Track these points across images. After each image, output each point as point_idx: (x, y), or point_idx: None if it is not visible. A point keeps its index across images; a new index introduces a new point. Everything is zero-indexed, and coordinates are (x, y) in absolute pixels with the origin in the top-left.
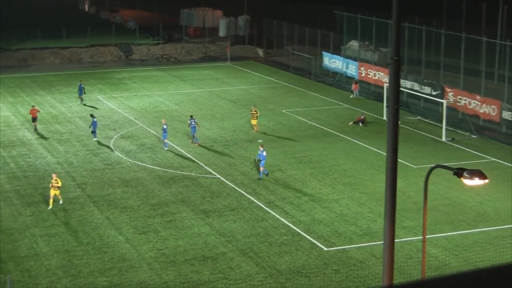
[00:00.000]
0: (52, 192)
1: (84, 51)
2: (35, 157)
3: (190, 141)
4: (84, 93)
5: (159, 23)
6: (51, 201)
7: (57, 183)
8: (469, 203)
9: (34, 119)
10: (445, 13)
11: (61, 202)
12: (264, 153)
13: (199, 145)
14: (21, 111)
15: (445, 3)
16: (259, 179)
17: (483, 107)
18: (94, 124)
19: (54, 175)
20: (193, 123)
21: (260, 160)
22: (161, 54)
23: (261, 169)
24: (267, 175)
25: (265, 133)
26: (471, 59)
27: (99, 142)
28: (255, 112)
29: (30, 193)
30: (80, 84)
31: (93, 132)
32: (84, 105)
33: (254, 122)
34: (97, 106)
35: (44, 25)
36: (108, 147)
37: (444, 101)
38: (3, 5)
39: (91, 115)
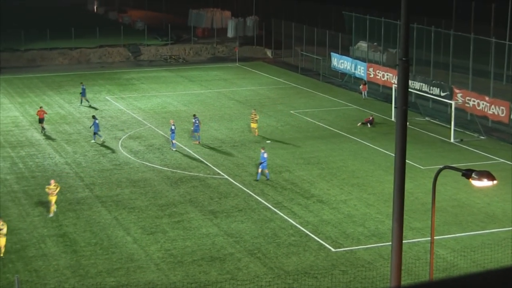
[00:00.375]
0: (50, 198)
1: (92, 52)
2: (43, 158)
3: (197, 142)
4: (82, 95)
5: (168, 23)
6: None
7: (56, 188)
8: (477, 204)
9: (41, 120)
10: (453, 14)
11: (51, 215)
12: (265, 155)
13: (198, 143)
14: (29, 112)
15: (454, 4)
16: (267, 179)
17: (492, 108)
18: (96, 125)
19: (52, 181)
20: (196, 122)
21: (262, 162)
22: (170, 55)
23: (266, 171)
24: (257, 180)
25: (264, 137)
26: (480, 60)
27: (104, 143)
28: (255, 116)
29: (38, 193)
30: (83, 86)
31: (95, 133)
32: (80, 106)
33: (254, 126)
34: (99, 107)
35: (53, 25)
36: (112, 148)
37: (453, 102)
38: (11, 6)
39: (93, 116)
